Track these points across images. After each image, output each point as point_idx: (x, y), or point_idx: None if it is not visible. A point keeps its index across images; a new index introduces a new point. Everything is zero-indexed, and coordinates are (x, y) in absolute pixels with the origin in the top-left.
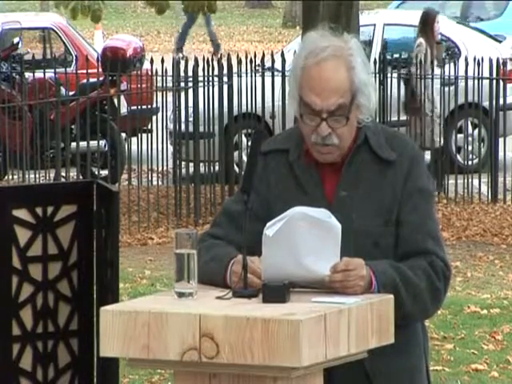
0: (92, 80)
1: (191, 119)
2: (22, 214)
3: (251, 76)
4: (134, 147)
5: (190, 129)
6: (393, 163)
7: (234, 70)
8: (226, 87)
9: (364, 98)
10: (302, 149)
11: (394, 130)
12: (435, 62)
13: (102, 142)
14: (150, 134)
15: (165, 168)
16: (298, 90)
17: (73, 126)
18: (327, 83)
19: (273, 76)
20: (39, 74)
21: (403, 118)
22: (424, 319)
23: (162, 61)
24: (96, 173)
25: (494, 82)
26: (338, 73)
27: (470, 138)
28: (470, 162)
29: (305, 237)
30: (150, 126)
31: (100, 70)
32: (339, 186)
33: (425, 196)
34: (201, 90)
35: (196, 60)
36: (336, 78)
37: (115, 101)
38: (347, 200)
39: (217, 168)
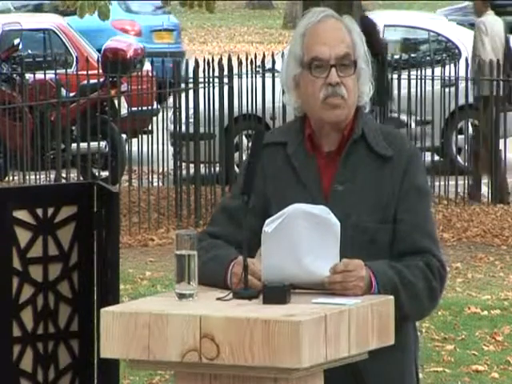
0: (92, 81)
1: (192, 120)
2: (22, 215)
3: (252, 77)
4: (134, 148)
5: (191, 130)
6: (390, 160)
7: (235, 71)
8: (226, 88)
9: (364, 68)
10: (301, 138)
11: (390, 127)
12: None
13: (103, 143)
14: (150, 135)
15: (165, 169)
16: (301, 60)
17: (73, 127)
18: (333, 33)
19: (273, 77)
20: (40, 75)
21: (403, 118)
22: (420, 319)
23: (163, 62)
24: (96, 174)
25: (495, 83)
26: (340, 30)
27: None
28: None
29: (304, 234)
30: (150, 127)
31: (100, 71)
32: (335, 179)
33: (422, 194)
34: (201, 91)
35: (196, 61)
36: (340, 32)
37: (116, 102)
38: (344, 195)
39: (217, 169)
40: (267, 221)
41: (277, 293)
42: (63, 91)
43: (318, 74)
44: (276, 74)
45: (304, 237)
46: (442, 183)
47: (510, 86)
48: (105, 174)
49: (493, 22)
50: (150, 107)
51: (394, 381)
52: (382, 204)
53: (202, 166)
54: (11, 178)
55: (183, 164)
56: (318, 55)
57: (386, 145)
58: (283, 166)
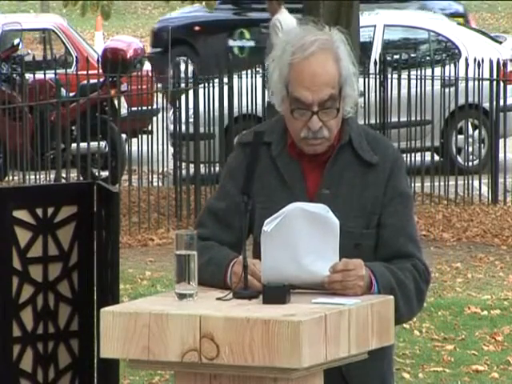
0: (92, 81)
1: (191, 120)
2: (22, 215)
3: (252, 77)
4: (134, 148)
5: (191, 130)
6: (375, 166)
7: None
8: (226, 88)
9: (350, 89)
10: (285, 142)
11: (374, 131)
12: None
13: (103, 143)
14: (150, 135)
15: (165, 169)
16: (287, 86)
17: (73, 127)
18: (318, 77)
19: None
20: (40, 75)
21: (403, 119)
22: (409, 320)
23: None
24: (96, 174)
25: (495, 83)
26: (327, 66)
27: (470, 139)
28: (470, 163)
29: (303, 233)
30: (150, 127)
31: (100, 71)
32: (322, 184)
33: (405, 199)
34: (201, 91)
35: None
36: (326, 72)
37: (115, 102)
38: (329, 199)
39: (217, 169)
40: (267, 220)
41: (277, 293)
42: (63, 91)
43: (298, 116)
44: None
45: (303, 236)
46: (442, 183)
47: None
48: (105, 173)
49: (287, 20)
50: (149, 107)
51: (376, 383)
52: (366, 209)
53: (201, 165)
54: (11, 177)
55: (183, 164)
56: (301, 98)
57: (371, 150)
58: (268, 167)
